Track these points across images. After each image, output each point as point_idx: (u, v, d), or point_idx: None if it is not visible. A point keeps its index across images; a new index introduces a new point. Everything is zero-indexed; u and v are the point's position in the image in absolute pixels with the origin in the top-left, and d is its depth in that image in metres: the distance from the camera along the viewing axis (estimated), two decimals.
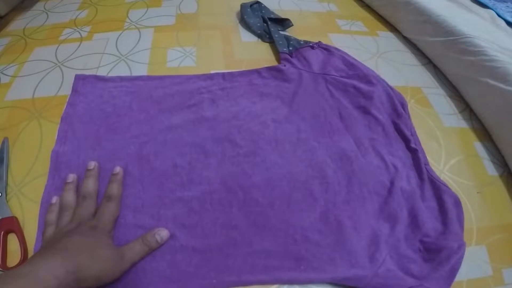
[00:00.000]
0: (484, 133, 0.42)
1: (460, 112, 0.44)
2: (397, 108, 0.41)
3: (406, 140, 0.38)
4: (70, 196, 0.31)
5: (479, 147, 0.40)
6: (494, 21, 0.53)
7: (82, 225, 0.28)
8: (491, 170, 0.38)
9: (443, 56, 0.48)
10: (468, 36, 0.45)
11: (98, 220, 0.28)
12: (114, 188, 0.31)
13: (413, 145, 0.37)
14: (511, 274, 0.30)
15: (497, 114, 0.40)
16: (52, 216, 0.30)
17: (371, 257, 0.29)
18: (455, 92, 0.47)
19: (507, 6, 0.59)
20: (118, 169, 0.33)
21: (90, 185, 0.31)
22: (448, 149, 0.39)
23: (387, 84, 0.44)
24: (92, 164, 0.33)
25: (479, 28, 0.47)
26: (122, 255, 0.27)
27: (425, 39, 0.51)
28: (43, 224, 0.29)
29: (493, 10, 0.55)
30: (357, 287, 0.28)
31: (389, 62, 0.50)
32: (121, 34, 0.51)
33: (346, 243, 0.30)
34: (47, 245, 0.27)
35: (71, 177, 0.32)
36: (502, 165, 0.38)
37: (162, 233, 0.29)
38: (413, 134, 0.39)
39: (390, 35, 0.57)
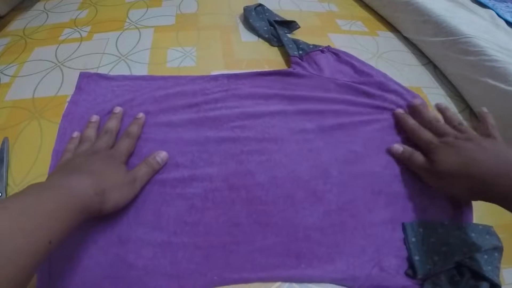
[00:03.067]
0: None
1: (460, 112, 0.44)
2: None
3: None
4: (91, 131, 0.34)
5: None
6: (494, 21, 0.53)
7: (99, 153, 0.30)
8: None
9: (443, 56, 0.49)
10: (468, 36, 0.45)
11: (115, 150, 0.32)
12: (134, 128, 0.35)
13: None
14: (511, 274, 0.30)
15: (497, 114, 0.39)
16: (71, 146, 0.33)
17: (369, 258, 0.29)
18: (455, 92, 0.47)
19: (507, 6, 0.59)
20: (141, 114, 0.37)
21: (113, 123, 0.35)
22: None
23: (401, 87, 0.44)
24: (118, 109, 0.37)
25: (479, 28, 0.47)
26: (135, 178, 0.30)
27: (425, 39, 0.51)
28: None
29: (493, 10, 0.56)
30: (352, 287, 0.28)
31: (389, 62, 0.51)
32: (121, 34, 0.51)
33: (347, 244, 0.30)
34: (65, 166, 0.29)
35: (95, 117, 0.36)
36: None
37: (161, 154, 0.33)
38: None
39: (390, 35, 0.57)
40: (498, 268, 0.29)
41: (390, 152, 0.36)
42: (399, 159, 0.35)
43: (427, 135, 0.34)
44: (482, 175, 0.28)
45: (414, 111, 0.38)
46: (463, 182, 0.29)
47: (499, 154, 0.29)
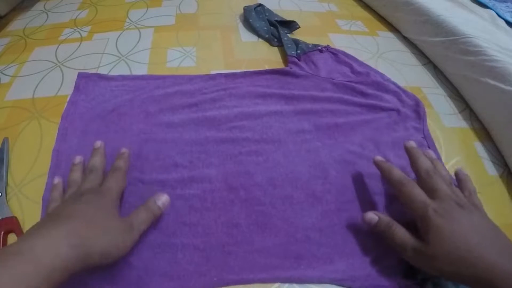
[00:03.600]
0: (484, 133, 0.42)
1: (460, 112, 0.44)
2: (408, 111, 0.41)
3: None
4: (76, 174, 0.30)
5: (479, 147, 0.40)
6: (494, 21, 0.53)
7: (86, 194, 0.26)
8: (491, 170, 0.38)
9: (443, 56, 0.48)
10: (468, 36, 0.45)
11: (103, 186, 0.27)
12: (121, 162, 0.31)
13: (423, 148, 0.37)
14: None
15: (497, 114, 0.40)
16: (56, 194, 0.29)
17: (368, 259, 0.29)
18: (455, 92, 0.47)
19: (507, 6, 0.59)
20: (124, 149, 0.33)
21: (97, 160, 0.31)
22: (448, 149, 0.39)
23: (399, 87, 0.44)
24: (99, 143, 0.33)
25: (479, 28, 0.47)
26: (131, 224, 0.25)
27: (425, 39, 0.51)
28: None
29: (493, 10, 0.55)
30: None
31: (389, 62, 0.50)
32: (121, 34, 0.51)
33: (346, 244, 0.30)
34: (46, 218, 0.24)
35: (78, 158, 0.32)
36: (502, 165, 0.38)
37: (163, 198, 0.29)
38: (426, 137, 0.39)
39: (390, 35, 0.57)
40: None
41: (363, 221, 0.29)
42: (373, 231, 0.29)
43: (419, 195, 0.26)
44: (488, 271, 0.22)
45: (409, 154, 0.31)
46: (462, 269, 0.23)
47: (495, 239, 0.24)
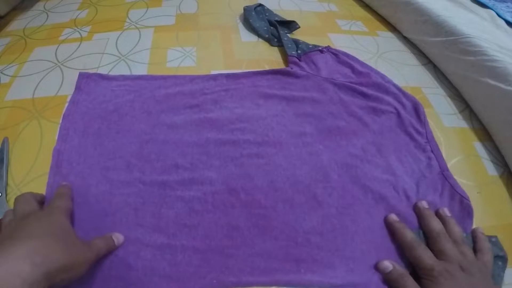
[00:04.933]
0: (484, 133, 0.42)
1: (460, 112, 0.44)
2: (408, 114, 0.41)
3: (418, 147, 0.38)
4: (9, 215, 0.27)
5: (479, 147, 0.40)
6: (494, 21, 0.53)
7: (32, 214, 0.24)
8: (491, 170, 0.38)
9: (443, 56, 0.48)
10: (468, 36, 0.45)
11: (50, 205, 0.27)
12: (64, 188, 0.30)
13: (426, 153, 0.37)
14: (511, 274, 0.30)
15: (497, 114, 0.40)
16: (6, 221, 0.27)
17: (369, 264, 0.29)
18: (455, 92, 0.47)
19: (507, 6, 0.59)
20: (64, 183, 0.31)
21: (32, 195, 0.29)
22: (448, 149, 0.39)
23: (400, 90, 0.43)
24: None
25: (479, 28, 0.47)
26: (88, 244, 0.25)
27: (425, 39, 0.51)
28: None
29: (493, 10, 0.55)
30: None
31: (389, 62, 0.50)
32: (121, 34, 0.51)
33: (347, 248, 0.30)
34: (2, 237, 0.23)
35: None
36: (502, 165, 0.38)
37: (119, 237, 0.29)
38: (430, 140, 0.39)
39: (390, 35, 0.57)
40: (501, 276, 0.29)
41: (377, 268, 0.29)
42: (385, 278, 0.29)
43: (428, 258, 0.28)
44: None
45: (420, 215, 0.32)
46: None
47: None
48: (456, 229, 0.31)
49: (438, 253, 0.29)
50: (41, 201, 0.29)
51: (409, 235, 0.30)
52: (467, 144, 0.40)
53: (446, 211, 0.33)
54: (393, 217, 0.32)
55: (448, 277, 0.27)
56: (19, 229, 0.22)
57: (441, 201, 0.34)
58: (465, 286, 0.26)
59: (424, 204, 0.33)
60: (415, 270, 0.29)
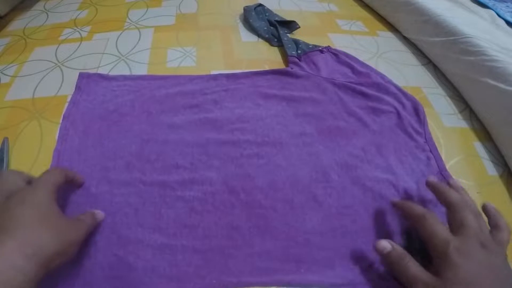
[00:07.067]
0: (484, 133, 0.42)
1: (460, 112, 0.44)
2: (408, 114, 0.41)
3: (418, 147, 0.38)
4: None
5: (479, 147, 0.40)
6: (494, 21, 0.53)
7: (17, 193, 0.23)
8: (491, 170, 0.38)
9: (443, 56, 0.48)
10: (468, 36, 0.45)
11: (36, 179, 0.25)
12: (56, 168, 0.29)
13: (425, 152, 0.37)
14: None
15: (497, 114, 0.40)
16: None
17: (369, 263, 0.29)
18: (455, 92, 0.47)
19: (507, 6, 0.59)
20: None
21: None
22: (448, 149, 0.39)
23: (400, 90, 0.43)
24: None
25: (479, 28, 0.47)
26: (75, 222, 0.25)
27: (425, 39, 0.51)
28: None
29: (493, 10, 0.56)
30: None
31: (389, 62, 0.50)
32: (121, 34, 0.51)
33: (347, 248, 0.30)
34: None
35: None
36: (502, 165, 0.38)
37: (101, 213, 0.29)
38: (428, 140, 0.39)
39: (390, 35, 0.57)
40: None
41: (375, 249, 0.27)
42: (383, 261, 0.27)
43: (443, 231, 0.25)
44: None
45: (434, 189, 0.30)
46: None
47: (506, 283, 0.23)
48: (471, 201, 0.28)
49: (456, 228, 0.26)
50: (29, 181, 0.27)
51: (420, 207, 0.27)
52: (467, 144, 0.40)
53: (457, 183, 0.31)
54: (395, 199, 0.31)
55: (465, 255, 0.23)
56: (7, 217, 0.21)
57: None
58: (484, 268, 0.23)
59: (433, 178, 0.30)
60: (427, 247, 0.26)
